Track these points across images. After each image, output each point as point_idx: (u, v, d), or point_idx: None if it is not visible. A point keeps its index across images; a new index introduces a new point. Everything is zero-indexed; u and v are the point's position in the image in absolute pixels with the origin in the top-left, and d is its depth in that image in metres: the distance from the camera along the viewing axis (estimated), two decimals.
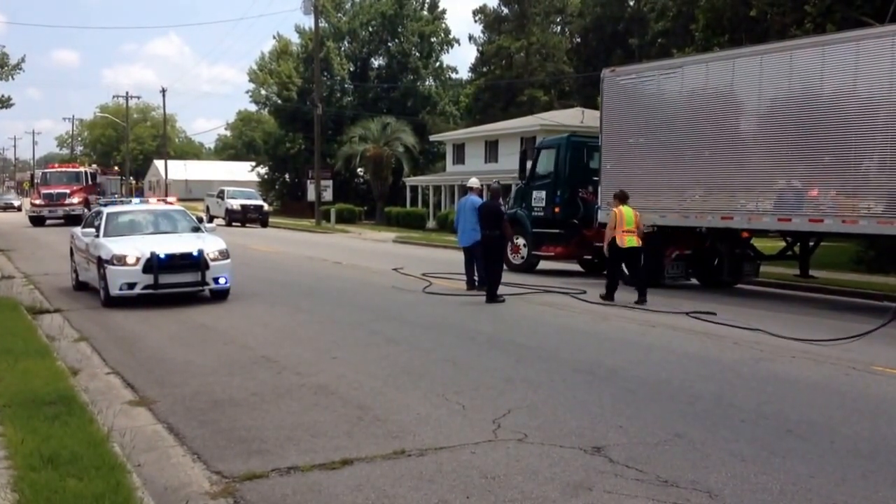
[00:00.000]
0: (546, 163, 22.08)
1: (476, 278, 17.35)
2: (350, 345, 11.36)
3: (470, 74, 68.93)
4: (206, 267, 15.20)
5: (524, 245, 22.02)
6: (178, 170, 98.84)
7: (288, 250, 29.16)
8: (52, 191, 45.49)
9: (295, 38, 71.77)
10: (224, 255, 15.65)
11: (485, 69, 65.18)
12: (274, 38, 74.02)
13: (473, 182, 18.62)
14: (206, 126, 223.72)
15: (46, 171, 51.05)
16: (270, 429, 7.30)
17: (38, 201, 45.65)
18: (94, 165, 67.34)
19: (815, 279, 18.71)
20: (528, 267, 21.84)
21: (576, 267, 22.53)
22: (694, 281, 19.14)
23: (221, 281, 15.54)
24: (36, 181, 53.20)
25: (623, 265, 17.29)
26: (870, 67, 14.46)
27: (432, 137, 57.81)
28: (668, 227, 18.21)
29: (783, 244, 19.06)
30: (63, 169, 51.63)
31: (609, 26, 57.45)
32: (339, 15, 70.05)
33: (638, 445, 6.79)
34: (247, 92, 78.27)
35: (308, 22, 61.65)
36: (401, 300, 16.20)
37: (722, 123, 17.24)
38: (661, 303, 15.64)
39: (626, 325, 13.24)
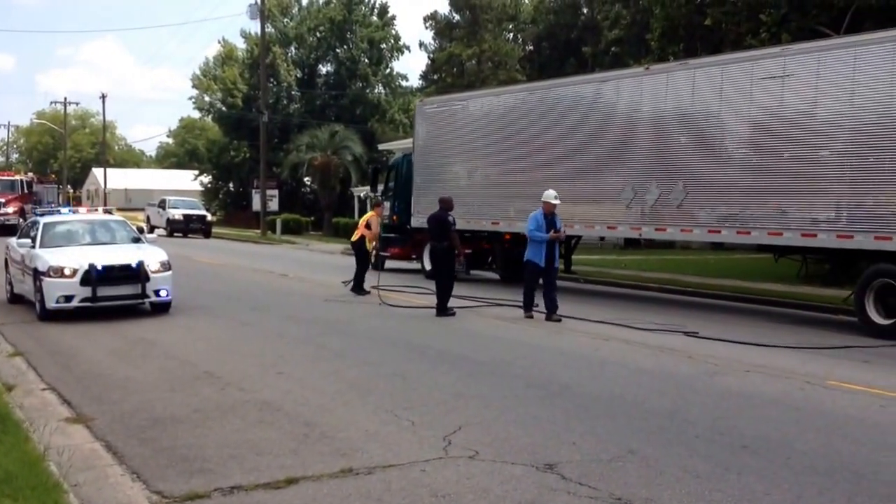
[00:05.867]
0: (391, 178, 26.22)
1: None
2: (296, 359, 11.15)
3: (421, 82, 68.76)
4: (147, 279, 14.85)
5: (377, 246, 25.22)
6: (118, 178, 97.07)
7: (232, 262, 28.80)
8: None
9: (240, 44, 71.07)
10: (165, 266, 15.32)
11: (436, 77, 65.01)
12: (218, 43, 73.54)
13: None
14: (147, 133, 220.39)
15: None
16: (213, 447, 7.10)
17: None
18: (30, 174, 65.73)
19: (575, 273, 23.13)
20: (379, 265, 23.86)
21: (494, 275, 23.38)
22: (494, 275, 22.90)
23: (162, 293, 15.20)
24: None
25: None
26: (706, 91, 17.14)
27: (381, 146, 57.50)
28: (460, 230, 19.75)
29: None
30: None
31: (562, 34, 57.66)
32: (286, 20, 69.53)
33: (591, 462, 6.70)
34: (190, 98, 77.18)
35: (254, 27, 60.81)
36: (349, 313, 16.01)
37: (501, 149, 21.48)
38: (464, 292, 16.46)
39: (579, 340, 13.19)
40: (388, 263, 24.45)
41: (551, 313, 15.08)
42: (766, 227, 15.77)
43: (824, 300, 17.52)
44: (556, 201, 15.41)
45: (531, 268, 15.32)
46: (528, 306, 15.43)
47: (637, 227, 18.56)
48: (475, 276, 22.70)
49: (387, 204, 25.34)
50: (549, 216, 15.35)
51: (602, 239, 27.83)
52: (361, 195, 37.20)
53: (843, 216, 14.56)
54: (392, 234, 25.04)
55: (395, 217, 25.18)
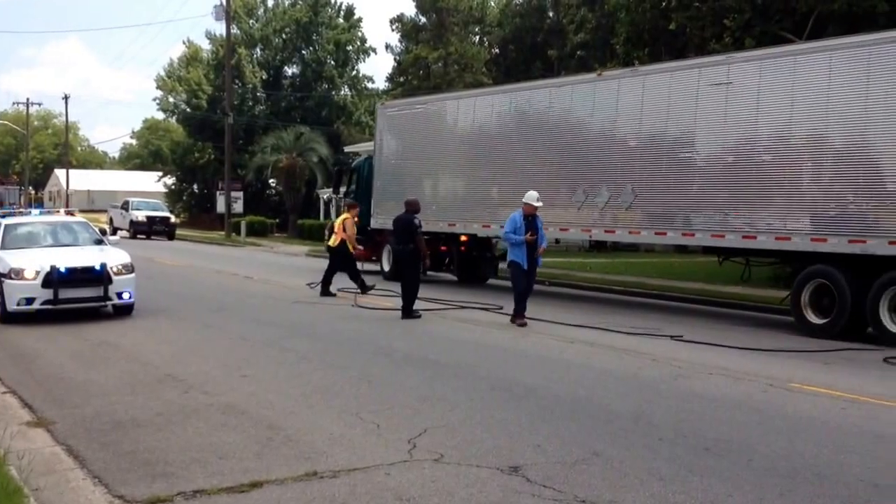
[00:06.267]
0: (353, 180, 26.43)
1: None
2: (261, 362, 11.07)
3: (387, 84, 68.55)
4: (109, 281, 14.69)
5: None
6: (81, 179, 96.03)
7: (196, 264, 28.57)
8: None
9: (205, 45, 70.51)
10: (128, 268, 15.16)
11: (402, 79, 64.79)
12: (183, 44, 72.85)
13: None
14: (111, 134, 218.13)
15: None
16: (176, 450, 7.03)
17: None
18: None
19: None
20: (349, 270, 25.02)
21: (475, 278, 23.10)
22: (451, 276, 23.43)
23: (125, 296, 15.03)
24: None
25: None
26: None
27: (347, 148, 57.21)
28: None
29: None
30: None
31: (528, 37, 57.76)
32: (252, 21, 69.06)
33: (556, 465, 6.71)
34: (154, 99, 76.88)
35: (219, 28, 60.36)
36: (314, 316, 15.94)
37: (459, 152, 22.05)
38: (423, 294, 16.38)
39: (544, 342, 13.22)
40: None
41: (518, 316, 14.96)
42: (710, 229, 16.26)
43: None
44: (538, 203, 15.17)
45: (516, 269, 14.98)
46: (520, 313, 14.95)
47: (588, 229, 19.03)
48: (432, 277, 22.75)
49: None
50: (530, 218, 15.09)
51: (557, 241, 27.92)
52: (325, 197, 37.73)
53: (782, 219, 15.09)
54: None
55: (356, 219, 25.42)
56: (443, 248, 22.76)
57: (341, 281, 19.32)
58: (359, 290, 18.86)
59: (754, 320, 16.87)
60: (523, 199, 15.30)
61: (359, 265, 19.82)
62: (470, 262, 23.18)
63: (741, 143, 15.85)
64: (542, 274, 24.54)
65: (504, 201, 20.43)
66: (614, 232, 18.60)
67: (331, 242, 19.49)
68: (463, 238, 22.42)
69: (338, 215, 26.52)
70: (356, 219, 25.32)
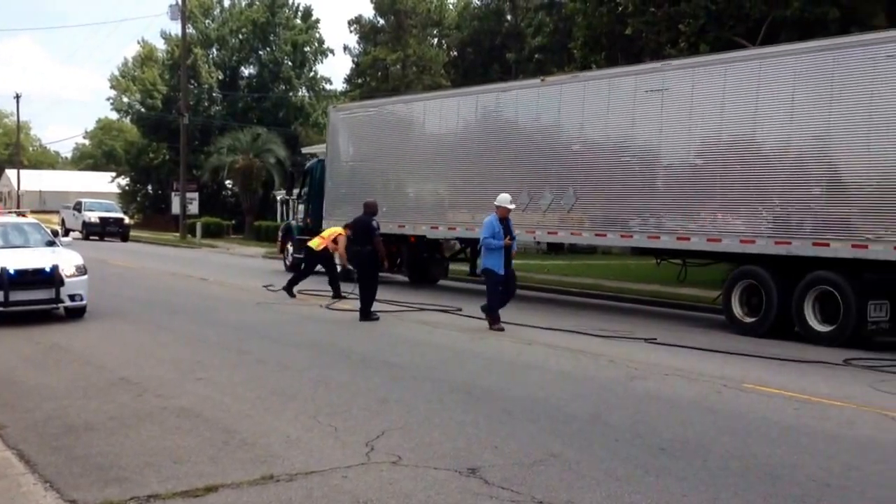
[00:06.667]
0: (306, 182, 26.68)
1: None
2: (216, 365, 10.96)
3: (345, 86, 68.33)
4: (61, 283, 14.46)
5: (292, 249, 26.49)
6: (32, 180, 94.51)
7: (150, 266, 28.25)
8: None
9: (160, 45, 69.95)
10: (81, 270, 14.94)
11: (360, 81, 64.61)
12: (138, 43, 72.10)
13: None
14: (63, 134, 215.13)
15: None
16: (129, 455, 6.93)
17: None
18: None
19: (480, 275, 23.39)
20: (295, 267, 24.79)
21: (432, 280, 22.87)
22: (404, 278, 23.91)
23: (78, 298, 14.79)
24: None
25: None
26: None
27: (305, 150, 56.92)
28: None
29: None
30: None
31: (486, 40, 57.90)
32: (208, 21, 68.56)
33: (513, 466, 6.72)
34: (108, 99, 75.92)
35: (175, 28, 59.82)
36: (271, 318, 15.82)
37: (408, 155, 22.43)
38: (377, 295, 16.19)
39: (502, 344, 13.24)
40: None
41: (493, 322, 14.64)
42: (647, 231, 16.77)
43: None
44: (511, 206, 15.06)
45: (492, 276, 14.70)
46: (495, 319, 14.64)
47: (532, 231, 19.28)
48: (384, 278, 22.63)
49: (301, 207, 26.64)
50: (504, 220, 14.86)
51: None
52: (279, 198, 37.95)
53: (713, 221, 15.63)
54: (306, 237, 25.30)
55: (308, 220, 25.78)
56: (393, 248, 22.74)
57: (304, 283, 19.26)
58: (330, 294, 18.81)
59: (707, 321, 17.03)
60: (496, 203, 15.11)
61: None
62: (421, 264, 23.65)
63: (675, 147, 16.43)
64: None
65: (453, 203, 21.22)
66: (557, 233, 19.04)
67: (314, 246, 19.25)
68: (412, 239, 22.73)
69: (289, 217, 27.26)
70: (308, 219, 25.68)
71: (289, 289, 18.98)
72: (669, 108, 16.44)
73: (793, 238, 14.48)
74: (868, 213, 13.68)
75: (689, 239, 16.05)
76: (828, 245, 14.02)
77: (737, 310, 15.40)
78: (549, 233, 19.12)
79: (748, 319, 15.23)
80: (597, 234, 18.14)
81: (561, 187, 18.29)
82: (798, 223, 14.47)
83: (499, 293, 14.81)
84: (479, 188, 20.16)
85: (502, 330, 14.43)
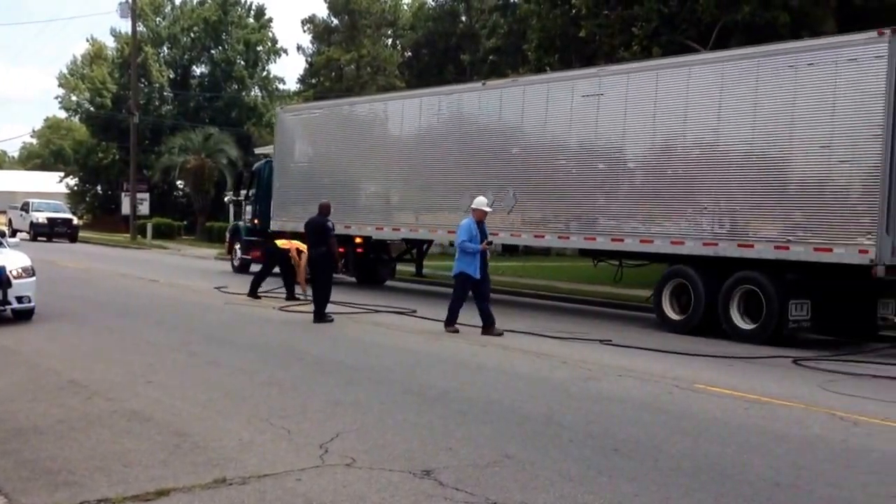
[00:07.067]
0: (254, 183, 26.86)
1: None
2: (167, 368, 10.83)
3: (299, 86, 67.97)
4: (9, 285, 14.19)
5: (240, 250, 26.72)
6: None
7: (100, 267, 27.84)
8: None
9: (110, 43, 69.01)
10: (28, 272, 14.68)
11: (314, 81, 64.31)
12: (87, 41, 71.06)
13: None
14: (10, 133, 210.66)
15: None
16: (79, 459, 6.81)
17: None
18: None
19: (427, 276, 24.72)
20: (243, 268, 26.12)
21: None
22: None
23: (25, 300, 14.52)
24: None
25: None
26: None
27: (258, 150, 56.44)
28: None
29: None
30: None
31: (441, 41, 57.94)
32: (159, 19, 67.72)
33: (468, 467, 6.72)
34: (56, 98, 74.67)
35: (125, 25, 59.11)
36: (223, 320, 15.69)
37: (353, 156, 22.89)
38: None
39: (457, 345, 13.27)
40: (253, 267, 25.07)
41: (490, 327, 14.42)
42: (583, 232, 17.28)
43: None
44: (488, 209, 14.93)
45: (463, 280, 14.48)
46: (452, 320, 14.53)
47: None
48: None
49: (249, 208, 26.86)
50: (480, 224, 14.65)
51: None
52: (226, 199, 38.02)
53: (646, 223, 16.17)
54: (254, 238, 25.89)
55: (256, 221, 26.07)
56: (341, 249, 22.76)
57: (244, 285, 19.15)
58: (285, 296, 18.77)
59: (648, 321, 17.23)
60: (472, 206, 14.92)
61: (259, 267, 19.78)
62: (367, 265, 23.84)
63: (609, 151, 16.97)
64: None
65: (398, 205, 21.77)
66: (497, 234, 19.13)
67: (281, 245, 19.17)
68: (358, 240, 22.94)
69: (238, 218, 27.60)
70: (255, 220, 25.86)
71: (252, 291, 18.81)
72: (605, 112, 16.95)
73: (720, 239, 15.07)
74: (790, 216, 14.27)
75: (623, 240, 16.59)
76: (752, 246, 14.65)
77: (667, 308, 15.97)
78: (491, 233, 19.07)
79: (677, 317, 15.80)
80: (535, 236, 18.54)
81: (502, 189, 18.64)
82: (725, 225, 15.08)
83: (464, 299, 14.59)
84: (424, 190, 20.75)
85: (457, 332, 14.43)
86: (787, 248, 14.18)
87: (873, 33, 13.62)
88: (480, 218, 14.78)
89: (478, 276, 14.50)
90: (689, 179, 15.63)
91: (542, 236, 18.31)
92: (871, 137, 13.36)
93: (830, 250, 13.70)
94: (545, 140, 18.18)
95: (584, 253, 19.71)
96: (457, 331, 14.47)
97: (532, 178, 18.24)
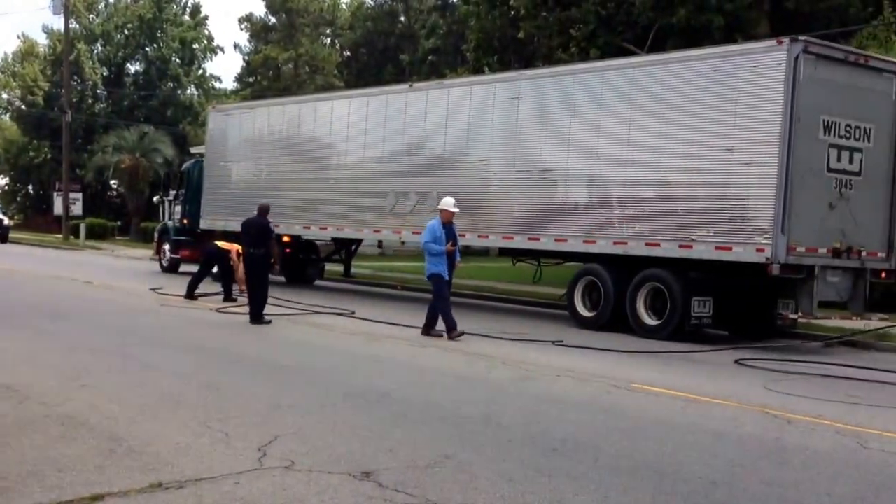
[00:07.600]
0: (184, 182, 26.90)
1: None
2: (101, 371, 10.62)
3: (236, 84, 67.31)
4: None
5: (169, 250, 26.72)
6: None
7: (31, 268, 27.25)
8: None
9: (42, 39, 67.65)
10: None
11: (251, 79, 63.77)
12: (18, 38, 69.60)
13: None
14: None
15: None
16: (11, 464, 6.64)
17: None
18: None
19: (354, 276, 25.56)
20: (172, 268, 26.21)
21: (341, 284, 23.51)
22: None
23: None
24: None
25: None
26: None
27: (193, 149, 55.70)
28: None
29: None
30: None
31: (380, 41, 57.92)
32: (92, 16, 66.59)
33: (408, 469, 6.72)
34: None
35: (57, 22, 57.99)
36: (159, 322, 15.46)
37: (280, 156, 23.27)
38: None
39: (397, 347, 13.26)
40: (182, 267, 25.53)
41: (430, 328, 14.30)
42: (502, 232, 17.81)
43: None
44: (455, 209, 14.53)
45: (438, 279, 14.21)
46: (452, 326, 13.97)
47: (398, 230, 20.20)
48: None
49: (178, 208, 26.88)
50: (448, 225, 14.42)
51: (380, 244, 27.09)
52: (154, 199, 37.75)
53: (560, 223, 16.78)
54: (183, 238, 26.15)
55: (185, 220, 26.16)
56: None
57: (181, 286, 18.92)
58: (222, 296, 18.60)
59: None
60: (439, 206, 14.68)
61: (187, 267, 19.63)
62: (297, 264, 23.91)
63: (528, 153, 17.40)
64: (394, 279, 25.06)
65: (325, 204, 21.94)
66: (401, 233, 19.91)
67: (220, 244, 19.06)
68: (286, 239, 22.81)
69: (169, 217, 27.55)
70: (185, 220, 25.95)
71: (190, 292, 18.62)
72: (524, 115, 17.43)
73: (629, 239, 15.63)
74: (693, 216, 14.85)
75: (539, 239, 17.11)
76: (658, 245, 15.23)
77: (579, 305, 16.45)
78: (414, 232, 18.98)
79: (588, 314, 16.28)
80: (458, 235, 18.63)
81: (426, 190, 18.90)
82: (633, 225, 15.63)
83: (448, 298, 14.34)
84: (351, 190, 21.04)
85: (462, 334, 13.93)
86: (691, 247, 14.78)
87: (773, 42, 14.32)
88: (448, 219, 14.45)
89: (447, 276, 14.33)
90: (601, 180, 16.27)
91: (463, 235, 17.90)
92: (769, 141, 13.91)
93: (730, 249, 14.33)
94: (468, 142, 18.60)
95: (504, 252, 20.19)
96: (462, 333, 13.97)
97: (455, 178, 18.63)
